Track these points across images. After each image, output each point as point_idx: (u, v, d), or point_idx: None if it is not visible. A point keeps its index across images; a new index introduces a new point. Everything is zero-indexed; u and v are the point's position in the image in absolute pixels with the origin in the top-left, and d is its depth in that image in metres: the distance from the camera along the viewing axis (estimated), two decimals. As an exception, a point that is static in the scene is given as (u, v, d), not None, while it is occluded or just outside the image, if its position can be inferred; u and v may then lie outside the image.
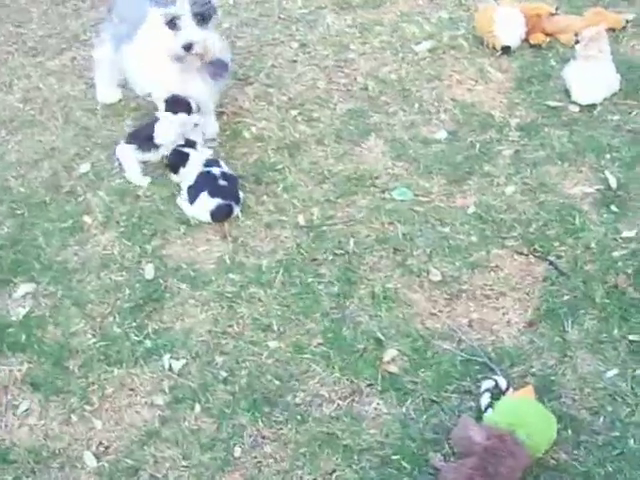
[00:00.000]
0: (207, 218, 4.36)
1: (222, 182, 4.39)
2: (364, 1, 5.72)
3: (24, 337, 4.04)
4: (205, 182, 4.38)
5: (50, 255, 4.37)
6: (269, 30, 5.57)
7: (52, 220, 4.54)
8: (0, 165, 4.84)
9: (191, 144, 4.58)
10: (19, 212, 4.61)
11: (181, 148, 4.57)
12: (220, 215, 4.35)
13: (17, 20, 5.88)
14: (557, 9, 5.30)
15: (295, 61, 5.33)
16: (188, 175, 4.47)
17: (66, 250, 4.39)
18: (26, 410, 3.79)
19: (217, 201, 4.33)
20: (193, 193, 4.38)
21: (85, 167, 4.81)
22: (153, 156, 4.66)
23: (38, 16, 5.88)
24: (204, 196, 4.34)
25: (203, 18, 4.29)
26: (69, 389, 3.83)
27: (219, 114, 5.01)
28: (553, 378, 3.66)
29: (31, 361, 3.95)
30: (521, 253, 4.16)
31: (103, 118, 5.11)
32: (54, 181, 4.74)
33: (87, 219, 4.53)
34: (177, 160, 4.54)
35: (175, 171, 4.56)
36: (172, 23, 4.29)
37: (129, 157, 4.67)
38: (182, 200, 4.46)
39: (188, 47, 4.30)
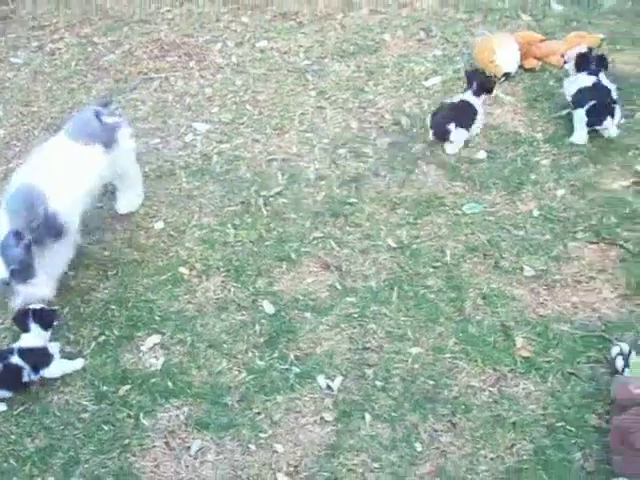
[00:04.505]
0: None
1: None
2: (359, 48, 6.49)
3: (171, 384, 4.41)
4: None
5: (164, 307, 4.77)
6: (283, 82, 6.22)
7: (149, 276, 4.93)
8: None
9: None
10: (112, 273, 4.95)
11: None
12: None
13: (24, 100, 6.21)
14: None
15: (321, 107, 5.99)
16: None
17: (177, 300, 4.79)
18: (200, 449, 4.16)
19: None
20: None
21: (159, 224, 5.22)
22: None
23: (44, 94, 6.23)
24: None
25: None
26: (237, 422, 4.24)
27: (269, 161, 5.58)
28: (661, 338, 4.45)
29: (188, 404, 4.32)
30: (593, 242, 4.97)
31: (157, 178, 5.54)
32: (134, 240, 5.11)
33: (184, 270, 4.95)
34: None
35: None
36: None
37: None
38: None
39: None
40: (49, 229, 4.56)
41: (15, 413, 4.35)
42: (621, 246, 4.92)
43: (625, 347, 4.34)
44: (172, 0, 7.30)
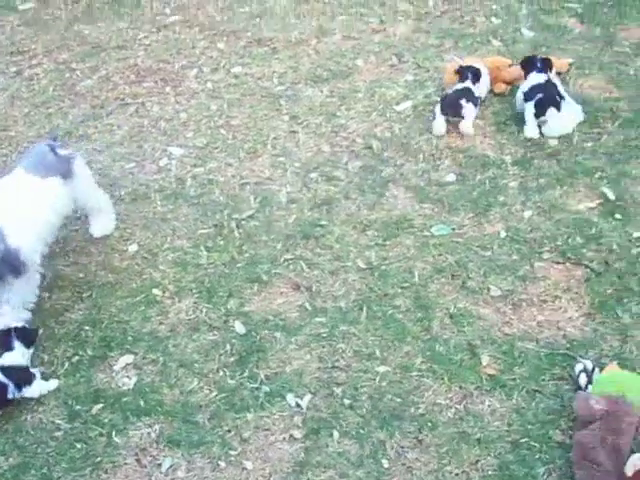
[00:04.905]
0: None
1: None
2: (333, 74, 6.68)
3: (142, 402, 4.52)
4: None
5: (137, 328, 4.88)
6: (257, 107, 6.39)
7: (123, 297, 5.05)
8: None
9: None
10: (86, 295, 5.07)
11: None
12: None
13: (1, 125, 6.35)
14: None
15: (294, 131, 6.15)
16: None
17: (150, 321, 4.91)
18: (171, 466, 4.26)
19: None
20: None
21: (133, 247, 5.35)
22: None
23: (22, 119, 6.38)
24: None
25: None
26: (207, 440, 4.34)
27: (242, 185, 5.73)
28: (624, 355, 4.58)
29: (159, 422, 4.43)
30: (559, 262, 5.12)
31: (132, 202, 5.68)
32: (109, 263, 5.24)
33: (157, 292, 5.07)
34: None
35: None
36: None
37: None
38: None
39: None
40: (9, 266, 4.66)
41: (-12, 433, 4.45)
42: (586, 266, 5.07)
43: (589, 364, 4.47)
44: (149, 26, 7.49)
